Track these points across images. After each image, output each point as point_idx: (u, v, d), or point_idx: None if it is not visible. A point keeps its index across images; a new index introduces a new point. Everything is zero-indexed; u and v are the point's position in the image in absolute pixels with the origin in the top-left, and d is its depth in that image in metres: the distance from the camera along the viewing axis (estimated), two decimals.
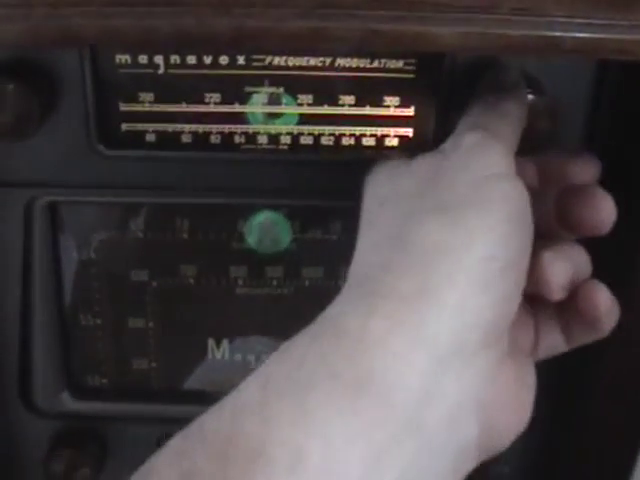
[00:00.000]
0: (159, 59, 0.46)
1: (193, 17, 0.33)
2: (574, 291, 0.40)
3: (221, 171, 0.49)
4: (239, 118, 0.47)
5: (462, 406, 0.35)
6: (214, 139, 0.48)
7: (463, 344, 0.35)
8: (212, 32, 0.34)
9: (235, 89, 0.47)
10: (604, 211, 0.39)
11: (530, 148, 0.42)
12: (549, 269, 0.39)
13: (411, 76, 0.47)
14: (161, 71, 0.46)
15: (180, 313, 0.55)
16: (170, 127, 0.48)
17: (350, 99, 0.47)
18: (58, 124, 0.47)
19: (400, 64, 0.46)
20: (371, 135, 0.48)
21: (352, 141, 0.48)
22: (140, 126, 0.47)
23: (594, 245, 0.41)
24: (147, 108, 0.47)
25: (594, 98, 0.47)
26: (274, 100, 0.47)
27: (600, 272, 0.41)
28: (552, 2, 0.34)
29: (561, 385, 0.53)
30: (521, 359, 0.40)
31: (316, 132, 0.48)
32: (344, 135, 0.48)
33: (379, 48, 0.40)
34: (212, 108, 0.47)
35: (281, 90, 0.47)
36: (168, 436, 0.57)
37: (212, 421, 0.33)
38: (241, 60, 0.46)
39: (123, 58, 0.46)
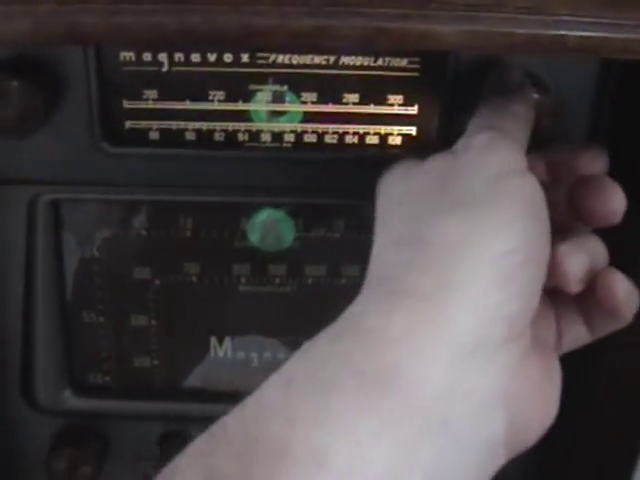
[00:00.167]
0: (163, 57, 0.46)
1: (200, 14, 0.33)
2: (592, 281, 0.40)
3: (224, 169, 0.49)
4: (243, 116, 0.47)
5: (487, 401, 0.35)
6: (218, 137, 0.48)
7: (486, 339, 0.35)
8: (219, 29, 0.34)
9: (239, 87, 0.47)
10: (615, 201, 0.39)
11: (534, 145, 0.42)
12: (566, 261, 0.39)
13: (415, 75, 0.47)
14: (165, 69, 0.46)
15: (182, 311, 0.55)
16: (174, 125, 0.48)
17: (354, 97, 0.47)
18: (62, 122, 0.47)
19: (404, 63, 0.46)
20: (375, 133, 0.48)
21: (356, 139, 0.48)
22: (144, 123, 0.48)
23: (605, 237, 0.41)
24: (151, 105, 0.47)
25: (597, 95, 0.48)
26: (278, 98, 0.47)
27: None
28: (557, 1, 0.34)
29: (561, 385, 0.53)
30: (545, 353, 0.40)
31: (320, 130, 0.48)
32: (348, 133, 0.48)
33: (384, 46, 0.40)
34: (216, 106, 0.47)
35: (285, 88, 0.47)
36: (169, 434, 0.58)
37: (235, 422, 0.33)
38: (245, 58, 0.46)
39: (127, 55, 0.46)
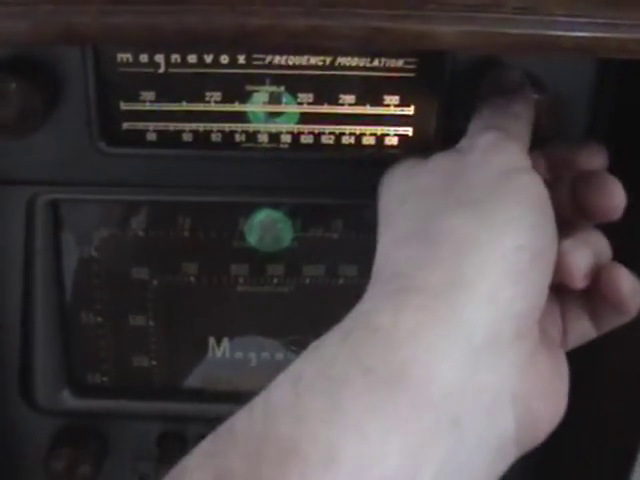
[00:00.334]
0: (160, 58, 0.46)
1: (197, 15, 0.34)
2: (597, 276, 0.40)
3: (222, 170, 0.49)
4: (240, 117, 0.48)
5: (498, 398, 0.35)
6: (215, 138, 0.48)
7: (497, 336, 0.35)
8: (215, 30, 0.34)
9: (236, 88, 0.47)
10: (616, 197, 0.39)
11: (533, 144, 0.42)
12: (570, 257, 0.39)
13: (411, 75, 0.47)
14: (162, 70, 0.46)
15: (181, 311, 0.55)
16: (171, 126, 0.48)
17: (350, 98, 0.47)
18: (60, 122, 0.47)
19: (400, 63, 0.46)
20: (371, 134, 0.48)
21: (352, 140, 0.48)
22: (141, 124, 0.48)
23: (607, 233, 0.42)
24: (148, 107, 0.47)
25: (595, 94, 0.48)
26: (275, 99, 0.47)
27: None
28: (554, 1, 0.35)
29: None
30: (552, 349, 0.40)
31: (316, 131, 0.48)
32: (344, 134, 0.48)
33: (381, 46, 0.40)
34: (213, 107, 0.47)
35: (282, 89, 0.47)
36: (168, 434, 0.58)
37: (243, 422, 0.33)
38: (242, 59, 0.46)
39: (124, 57, 0.46)
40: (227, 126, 0.48)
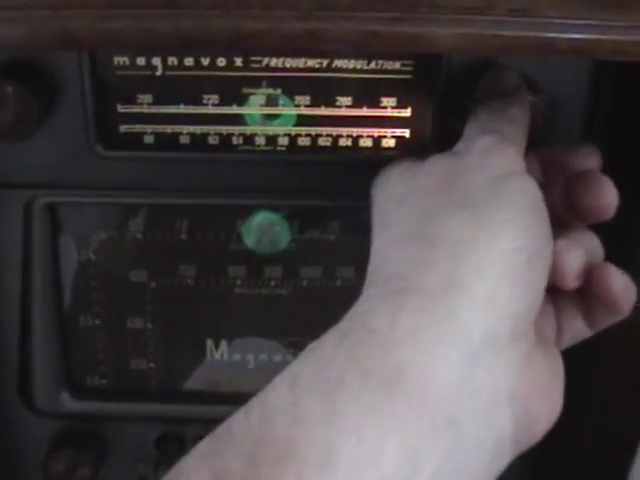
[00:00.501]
0: (157, 61, 0.46)
1: (192, 19, 0.34)
2: (589, 276, 0.40)
3: (219, 172, 0.49)
4: (237, 119, 0.48)
5: (496, 399, 0.35)
6: (212, 140, 0.48)
7: (494, 336, 0.35)
8: (210, 33, 0.34)
9: (233, 90, 0.47)
10: (608, 196, 0.39)
11: (528, 145, 0.42)
12: (563, 257, 0.39)
13: (408, 77, 0.47)
14: (159, 73, 0.46)
15: (179, 313, 0.55)
16: (168, 128, 0.48)
17: (347, 100, 0.47)
18: (57, 125, 0.47)
19: (397, 65, 0.47)
20: (368, 136, 0.48)
21: (349, 142, 0.48)
22: (138, 127, 0.48)
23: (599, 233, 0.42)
24: (145, 110, 0.47)
25: (590, 95, 0.48)
26: (272, 101, 0.47)
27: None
28: (548, 3, 0.35)
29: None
30: (548, 348, 0.40)
31: (313, 133, 0.48)
32: (341, 136, 0.48)
33: (376, 49, 0.41)
34: (210, 109, 0.47)
35: (278, 91, 0.47)
36: (166, 436, 0.58)
37: (241, 423, 0.33)
38: (239, 62, 0.46)
39: (121, 60, 0.46)
40: (224, 129, 0.48)
